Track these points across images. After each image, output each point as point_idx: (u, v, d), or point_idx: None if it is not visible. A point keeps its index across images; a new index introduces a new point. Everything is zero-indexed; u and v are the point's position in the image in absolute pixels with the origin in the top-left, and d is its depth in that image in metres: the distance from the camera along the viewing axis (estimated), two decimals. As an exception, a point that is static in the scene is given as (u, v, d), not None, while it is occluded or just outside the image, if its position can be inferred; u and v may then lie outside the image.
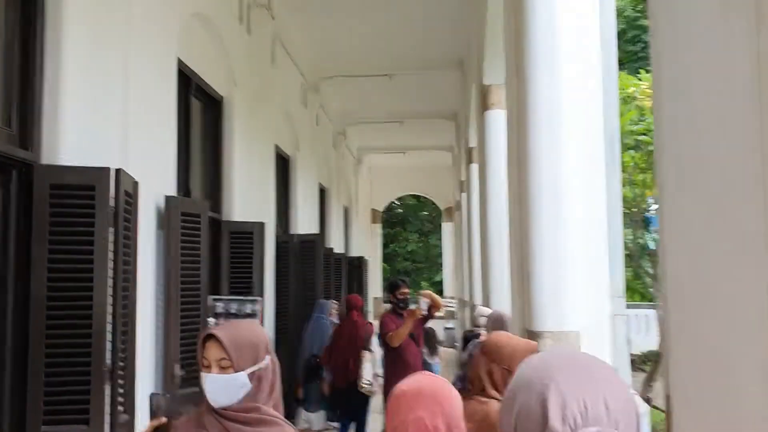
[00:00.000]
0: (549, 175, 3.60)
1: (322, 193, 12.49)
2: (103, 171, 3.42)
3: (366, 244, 18.12)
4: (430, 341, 8.67)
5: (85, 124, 3.56)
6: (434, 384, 1.59)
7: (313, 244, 8.37)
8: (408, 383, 1.60)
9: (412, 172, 19.06)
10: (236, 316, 6.40)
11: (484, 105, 7.38)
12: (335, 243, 12.68)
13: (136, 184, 3.86)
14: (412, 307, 5.80)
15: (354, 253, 15.44)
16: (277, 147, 8.63)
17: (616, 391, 0.75)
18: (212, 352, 1.87)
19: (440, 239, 28.92)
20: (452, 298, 18.97)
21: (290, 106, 9.45)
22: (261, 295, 6.73)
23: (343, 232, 14.97)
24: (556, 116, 3.66)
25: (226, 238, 6.58)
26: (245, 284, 6.60)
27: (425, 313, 5.68)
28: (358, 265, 14.38)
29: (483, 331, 5.36)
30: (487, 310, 6.50)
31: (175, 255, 4.73)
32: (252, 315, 6.49)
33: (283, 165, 9.56)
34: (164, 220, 4.68)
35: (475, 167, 9.88)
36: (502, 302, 6.51)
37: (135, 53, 4.15)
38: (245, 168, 7.09)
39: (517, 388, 0.79)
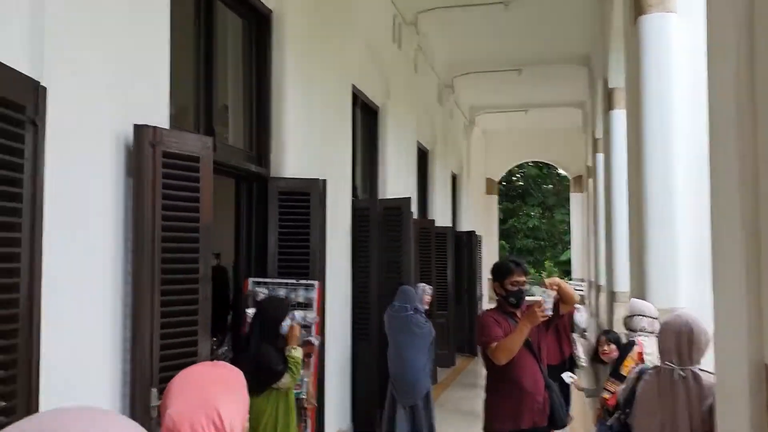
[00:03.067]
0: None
1: (423, 156, 10.55)
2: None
3: (479, 217, 15.98)
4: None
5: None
6: None
7: (400, 211, 6.47)
8: None
9: (534, 135, 16.54)
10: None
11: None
12: (438, 215, 10.72)
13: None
14: (534, 298, 3.77)
15: (464, 227, 13.41)
16: (356, 89, 6.80)
17: None
18: None
19: (566, 214, 26.21)
20: (581, 280, 16.41)
21: (375, 41, 7.56)
22: (321, 277, 4.96)
23: (450, 203, 12.97)
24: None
25: (273, 200, 4.85)
26: (299, 263, 4.86)
27: (549, 313, 3.63)
28: (467, 242, 12.35)
29: (642, 338, 4.15)
30: (648, 307, 4.37)
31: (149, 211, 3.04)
32: (305, 305, 4.76)
33: (368, 114, 7.72)
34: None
35: (618, 114, 7.66)
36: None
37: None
38: (304, 111, 5.32)
39: None
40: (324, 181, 5.03)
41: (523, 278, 3.84)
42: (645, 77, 5.05)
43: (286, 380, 3.82)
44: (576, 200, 17.34)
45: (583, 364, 7.14)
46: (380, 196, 7.58)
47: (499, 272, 3.88)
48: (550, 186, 27.42)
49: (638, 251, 5.11)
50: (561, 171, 28.44)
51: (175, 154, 3.21)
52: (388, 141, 7.90)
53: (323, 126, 5.71)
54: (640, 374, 3.07)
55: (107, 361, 2.89)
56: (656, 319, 4.42)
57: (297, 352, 3.93)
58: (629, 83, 5.62)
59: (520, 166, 24.82)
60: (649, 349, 4.33)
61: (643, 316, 4.38)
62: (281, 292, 4.67)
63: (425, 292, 6.84)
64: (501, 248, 21.13)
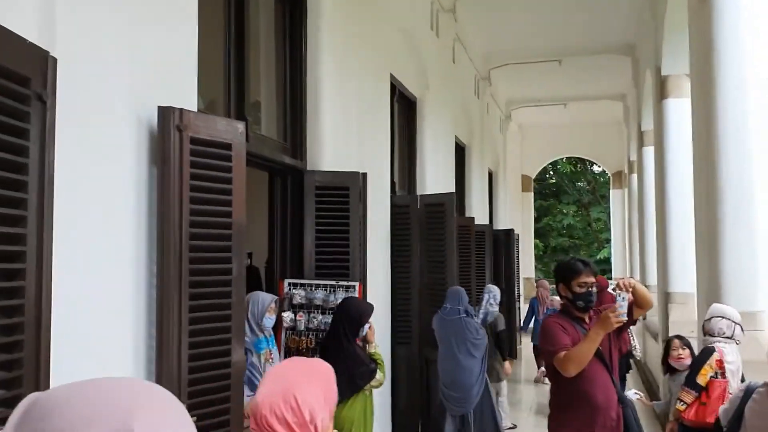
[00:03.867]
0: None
1: (460, 151, 10.12)
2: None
3: (515, 215, 15.46)
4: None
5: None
6: None
7: (443, 208, 6.05)
8: None
9: (571, 130, 15.94)
10: (322, 309, 4.33)
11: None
12: (477, 212, 10.28)
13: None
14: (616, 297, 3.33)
15: (500, 225, 12.93)
16: (393, 79, 6.41)
17: None
18: None
19: (603, 212, 25.49)
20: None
21: (413, 29, 7.16)
22: (362, 278, 4.59)
23: (488, 201, 12.51)
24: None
25: (310, 195, 4.49)
26: (338, 263, 4.49)
27: (625, 318, 3.20)
28: (506, 240, 11.88)
29: (721, 344, 3.85)
30: (730, 311, 3.92)
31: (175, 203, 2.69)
32: (345, 309, 4.38)
33: (406, 106, 7.33)
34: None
35: (673, 103, 7.19)
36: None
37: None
38: (341, 101, 4.96)
39: None
40: (364, 174, 4.65)
41: (591, 279, 3.41)
42: (718, 61, 4.57)
43: (379, 377, 3.91)
44: (616, 197, 16.69)
45: (639, 355, 6.73)
46: (419, 193, 7.18)
47: (565, 273, 3.45)
48: (585, 184, 26.70)
49: (709, 250, 4.62)
50: (596, 168, 27.84)
51: (204, 140, 2.86)
52: (426, 135, 7.49)
53: (361, 117, 5.33)
54: (748, 391, 2.63)
55: (129, 374, 2.55)
56: (738, 324, 3.96)
57: (379, 350, 4.06)
58: (696, 68, 5.12)
59: (553, 164, 24.18)
60: (730, 357, 3.87)
61: (723, 318, 3.92)
62: (319, 295, 4.30)
63: (493, 294, 6.45)
64: (536, 247, 20.55)
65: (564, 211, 26.73)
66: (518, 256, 13.18)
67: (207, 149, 2.87)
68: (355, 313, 3.92)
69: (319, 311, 4.30)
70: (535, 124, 16.37)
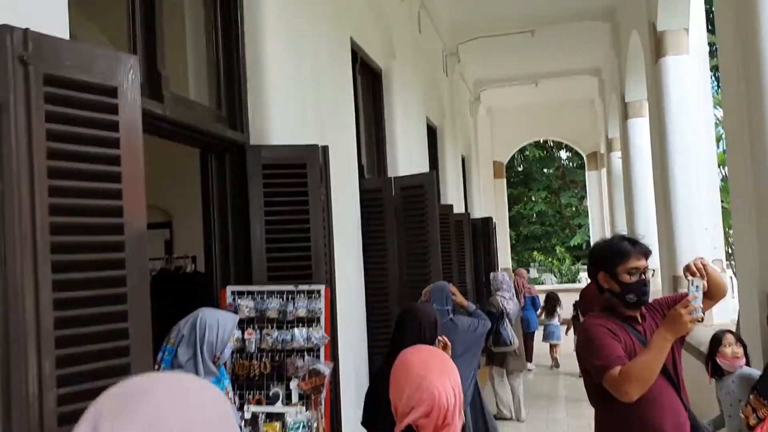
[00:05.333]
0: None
1: (432, 133, 9.18)
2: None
3: (488, 203, 14.60)
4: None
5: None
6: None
7: (422, 191, 5.07)
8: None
9: (543, 111, 15.10)
10: (278, 323, 3.32)
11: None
12: (453, 200, 9.36)
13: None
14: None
15: (476, 214, 12.06)
16: (355, 44, 5.43)
17: None
18: None
19: (573, 197, 24.89)
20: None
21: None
22: (329, 280, 3.60)
23: (462, 188, 11.61)
24: None
25: (256, 175, 3.49)
26: (297, 261, 3.49)
27: (701, 314, 2.28)
28: (484, 230, 11.00)
29: None
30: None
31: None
32: (308, 320, 3.38)
33: (370, 77, 6.35)
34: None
35: (673, 62, 6.39)
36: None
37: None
38: (293, 63, 3.97)
39: None
40: (325, 148, 3.65)
41: (644, 262, 2.48)
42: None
43: None
44: (592, 179, 15.96)
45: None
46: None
47: (607, 257, 2.51)
48: (553, 170, 26.07)
49: (758, 224, 3.70)
50: (563, 153, 27.24)
51: (69, 80, 1.83)
52: (395, 110, 6.52)
53: (318, 81, 4.33)
54: None
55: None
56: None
57: None
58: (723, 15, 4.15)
59: (521, 151, 23.47)
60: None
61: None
62: (273, 305, 3.29)
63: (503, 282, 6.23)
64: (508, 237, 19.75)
65: (534, 198, 26.08)
66: (496, 246, 12.33)
67: (75, 94, 1.85)
68: (426, 321, 3.13)
69: (274, 326, 3.29)
70: (504, 108, 15.51)
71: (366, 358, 4.80)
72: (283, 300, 3.30)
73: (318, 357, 3.29)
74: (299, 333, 3.26)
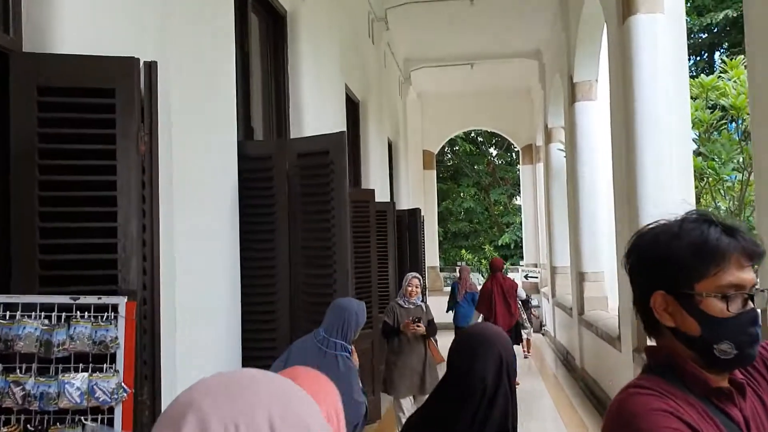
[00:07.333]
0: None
1: (353, 106, 7.81)
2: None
3: (417, 195, 13.37)
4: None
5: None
6: None
7: (327, 160, 3.65)
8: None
9: (477, 99, 13.97)
10: (41, 363, 1.84)
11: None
12: (376, 187, 8.01)
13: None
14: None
15: (403, 205, 10.78)
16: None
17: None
18: None
19: (503, 194, 24.13)
20: (535, 266, 14.11)
21: None
22: (147, 288, 2.14)
23: (389, 177, 10.30)
24: None
25: (26, 103, 1.97)
26: (94, 253, 2.02)
27: None
28: (411, 224, 9.73)
29: None
30: None
31: None
32: (95, 359, 1.94)
33: (272, 20, 4.89)
34: None
35: (640, 20, 5.27)
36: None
37: None
38: None
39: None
40: (151, 64, 2.19)
41: (752, 275, 1.16)
42: None
43: None
44: (526, 173, 14.99)
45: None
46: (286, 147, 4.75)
47: (683, 262, 1.18)
48: (483, 166, 25.24)
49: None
50: (493, 150, 26.46)
51: None
52: (302, 64, 5.09)
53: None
54: None
55: None
56: None
57: None
58: None
59: (451, 144, 22.47)
60: None
61: None
62: (28, 331, 1.82)
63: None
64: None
65: (462, 194, 25.18)
66: (424, 242, 11.11)
67: None
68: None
69: (32, 369, 1.82)
70: (437, 94, 14.30)
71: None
72: (48, 322, 1.83)
73: (111, 426, 1.85)
74: (76, 382, 1.81)
